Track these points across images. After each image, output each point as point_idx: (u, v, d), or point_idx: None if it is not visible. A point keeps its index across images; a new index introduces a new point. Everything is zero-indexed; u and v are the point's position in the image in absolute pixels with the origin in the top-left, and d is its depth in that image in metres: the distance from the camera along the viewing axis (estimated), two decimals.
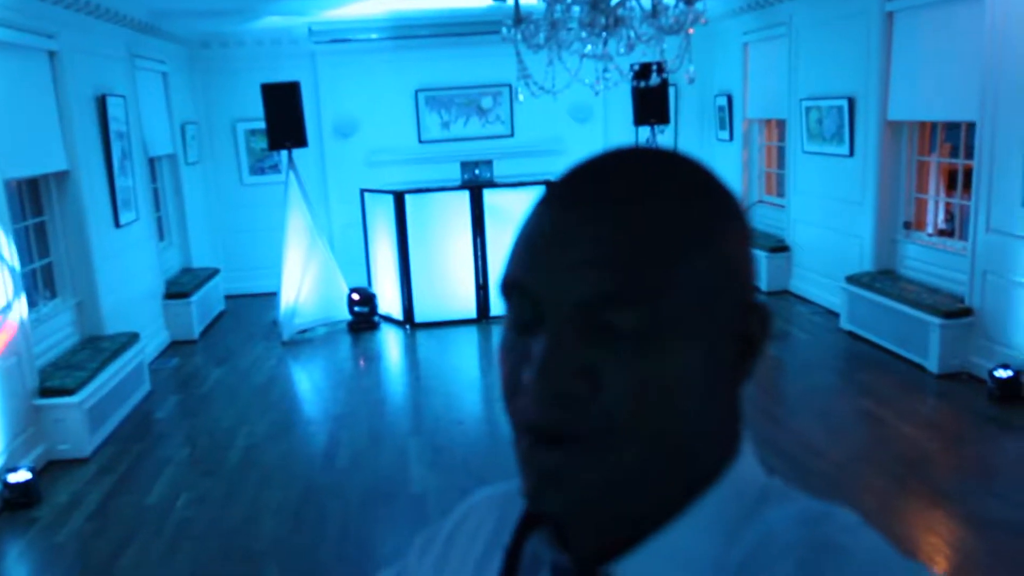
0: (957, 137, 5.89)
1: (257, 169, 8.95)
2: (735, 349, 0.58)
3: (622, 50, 3.69)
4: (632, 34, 3.57)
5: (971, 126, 5.44)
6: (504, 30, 3.87)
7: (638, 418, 0.54)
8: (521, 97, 4.19)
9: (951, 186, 6.21)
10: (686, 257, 0.55)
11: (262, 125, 7.45)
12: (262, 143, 8.41)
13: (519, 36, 3.81)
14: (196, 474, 4.59)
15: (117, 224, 6.21)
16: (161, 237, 7.64)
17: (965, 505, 3.86)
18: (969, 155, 5.60)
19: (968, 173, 5.68)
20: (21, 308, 4.70)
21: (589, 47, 3.67)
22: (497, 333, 5.60)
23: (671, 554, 0.57)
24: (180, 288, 7.28)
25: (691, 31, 3.51)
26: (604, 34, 3.56)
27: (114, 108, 6.26)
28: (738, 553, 0.56)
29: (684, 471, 0.58)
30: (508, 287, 0.58)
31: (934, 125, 6.10)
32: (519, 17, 3.80)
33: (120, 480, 4.55)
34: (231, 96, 8.68)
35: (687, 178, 0.58)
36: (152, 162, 7.46)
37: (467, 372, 6.47)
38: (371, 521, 3.98)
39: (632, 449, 0.54)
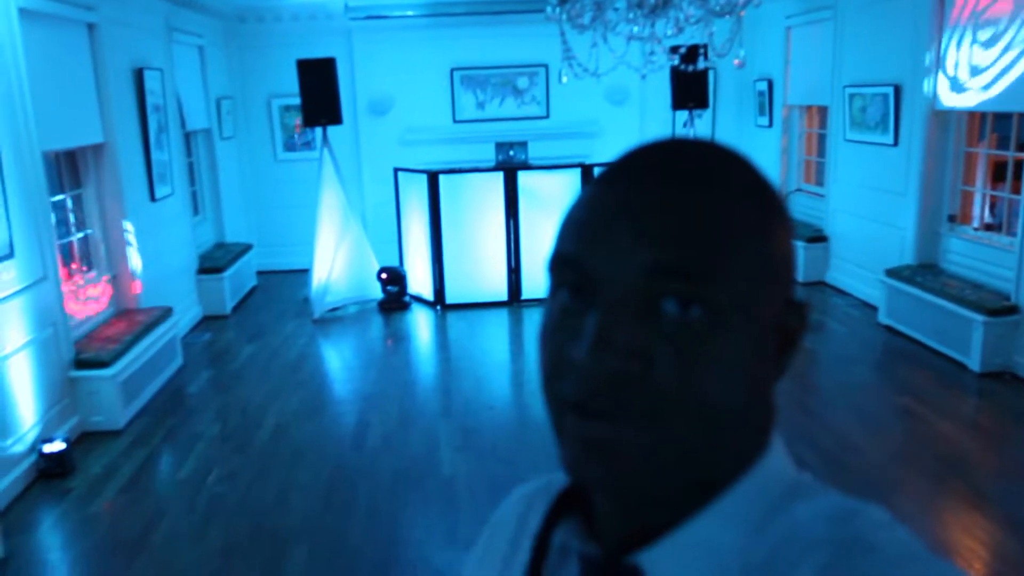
0: (1008, 127, 5.71)
1: (291, 145, 8.94)
2: (774, 343, 0.59)
3: (670, 32, 3.59)
4: (681, 16, 3.47)
5: (1023, 117, 5.27)
6: (549, 9, 3.78)
7: (684, 401, 0.54)
8: (565, 79, 4.10)
9: (997, 178, 6.04)
10: (740, 246, 0.56)
11: (297, 101, 7.44)
12: (296, 119, 8.41)
13: (564, 16, 3.72)
14: (227, 450, 4.61)
15: (153, 198, 6.23)
16: (195, 212, 7.67)
17: (1005, 508, 3.77)
18: (1020, 147, 5.43)
19: (1018, 165, 5.52)
20: (57, 280, 4.73)
21: (636, 28, 3.57)
22: (528, 317, 5.61)
23: (697, 545, 0.58)
24: (213, 263, 7.31)
25: (742, 14, 3.41)
26: (652, 15, 3.46)
27: (151, 81, 6.27)
28: (764, 547, 0.57)
29: (719, 460, 0.58)
30: (560, 262, 0.59)
31: (984, 115, 5.92)
32: None
33: (152, 454, 4.59)
34: (266, 71, 8.67)
35: (740, 172, 0.60)
36: (187, 136, 7.47)
37: (497, 355, 6.44)
38: (400, 503, 3.97)
39: (676, 430, 0.55)
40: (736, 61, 3.80)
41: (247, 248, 8.12)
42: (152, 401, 5.30)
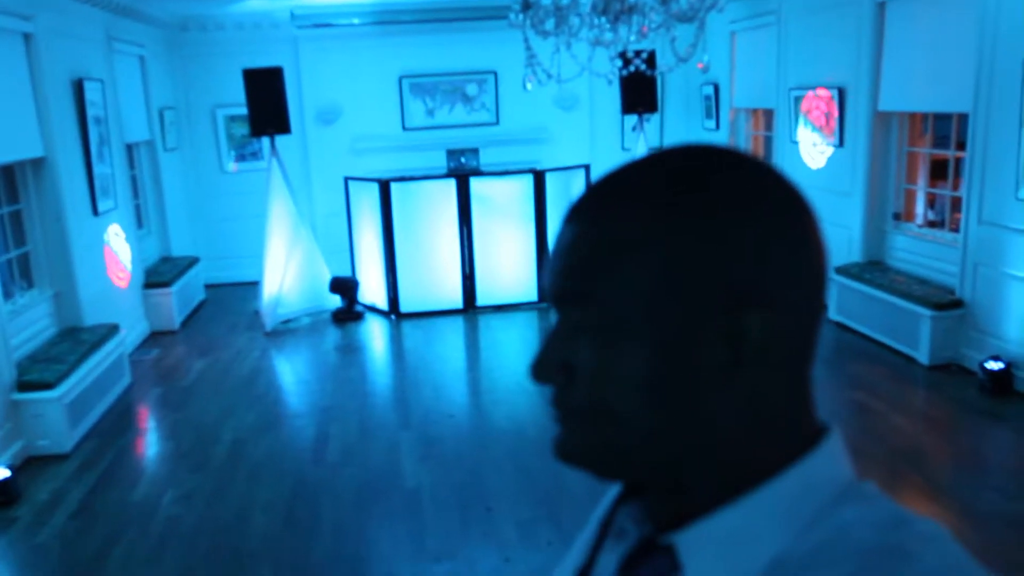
0: (948, 127, 5.88)
1: (238, 156, 8.77)
2: (722, 352, 0.58)
3: (633, 37, 3.60)
4: (644, 21, 3.48)
5: (962, 117, 5.44)
6: (512, 16, 3.76)
7: (594, 406, 0.61)
8: (529, 86, 4.09)
9: (936, 177, 6.21)
10: (620, 264, 0.59)
11: (243, 111, 7.30)
12: (243, 129, 8.25)
13: (527, 22, 3.71)
14: (182, 470, 4.48)
15: (95, 212, 6.05)
16: (140, 225, 7.47)
17: (960, 498, 3.86)
18: (960, 146, 5.60)
19: (958, 163, 5.68)
20: None
21: (599, 34, 3.57)
22: (484, 323, 5.61)
23: (729, 532, 0.60)
24: (160, 277, 7.12)
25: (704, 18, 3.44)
26: (616, 21, 3.47)
27: (91, 92, 6.09)
28: (805, 545, 0.58)
29: (704, 457, 0.61)
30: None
31: (924, 116, 6.08)
32: (527, 3, 3.69)
33: (103, 476, 4.43)
34: (211, 81, 8.50)
35: (648, 186, 0.61)
36: (130, 148, 7.27)
37: (454, 363, 6.39)
38: (365, 517, 3.90)
39: (597, 430, 0.62)
40: (700, 64, 3.83)
41: (194, 261, 7.93)
42: (100, 422, 5.13)
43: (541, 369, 0.64)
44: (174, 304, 7.10)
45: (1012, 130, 4.81)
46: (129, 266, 6.63)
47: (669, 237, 0.58)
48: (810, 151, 7.09)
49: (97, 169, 6.10)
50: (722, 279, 0.58)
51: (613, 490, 0.75)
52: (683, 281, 0.58)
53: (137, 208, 7.47)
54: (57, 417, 4.67)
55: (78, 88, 5.89)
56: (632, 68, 4.14)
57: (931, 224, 6.14)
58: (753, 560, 0.59)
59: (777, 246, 0.59)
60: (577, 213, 0.63)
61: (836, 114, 6.61)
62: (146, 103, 7.63)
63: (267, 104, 6.83)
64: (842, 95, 6.51)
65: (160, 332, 7.00)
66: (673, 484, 0.63)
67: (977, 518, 3.64)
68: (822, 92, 6.74)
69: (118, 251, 6.43)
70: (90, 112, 6.03)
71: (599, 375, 0.61)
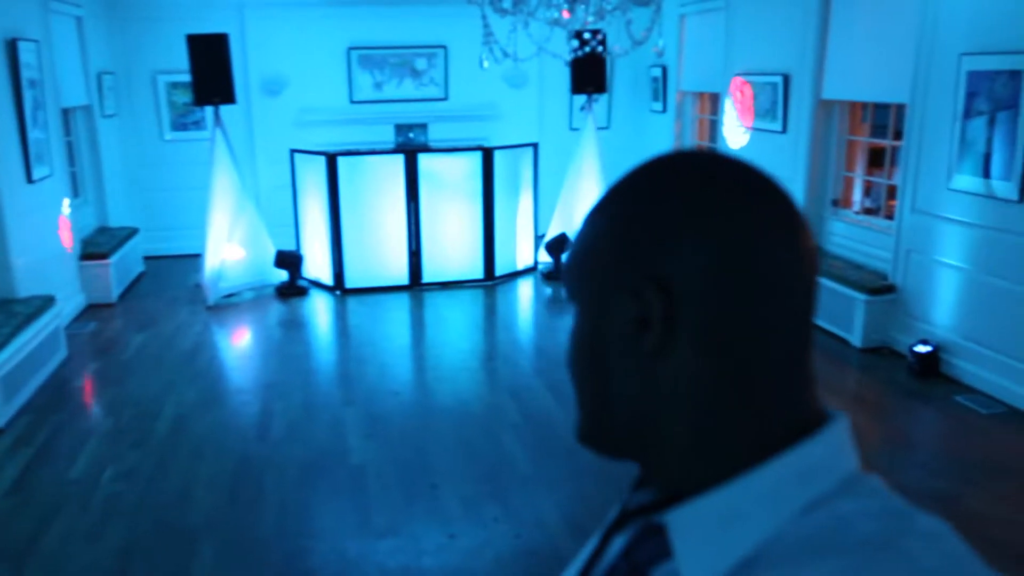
0: (887, 117, 6.05)
1: (179, 125, 8.55)
2: (627, 322, 0.63)
3: (590, 19, 3.62)
4: (602, 3, 3.50)
5: (900, 107, 5.60)
6: None
7: (575, 379, 0.70)
8: (486, 64, 4.08)
9: (873, 165, 6.40)
10: (584, 253, 0.68)
11: (185, 78, 7.12)
12: (185, 97, 8.05)
13: (486, 0, 3.69)
14: (122, 446, 4.40)
15: (29, 179, 5.84)
16: (76, 194, 7.25)
17: (889, 475, 3.98)
18: (897, 135, 5.77)
19: (895, 152, 5.86)
20: None
21: (556, 13, 3.58)
22: (430, 300, 5.61)
23: (720, 513, 0.60)
24: (97, 248, 6.93)
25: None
26: (574, 2, 3.48)
27: (26, 54, 5.86)
28: (801, 531, 0.58)
29: (658, 431, 0.64)
30: None
31: (864, 105, 6.25)
32: None
33: (38, 453, 4.33)
34: (152, 46, 8.24)
35: (649, 178, 0.66)
36: (66, 114, 7.03)
37: (400, 340, 6.38)
38: (309, 493, 3.90)
39: (582, 406, 0.71)
40: (656, 48, 3.87)
41: (133, 232, 7.74)
42: (35, 397, 5.00)
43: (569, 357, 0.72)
44: (112, 276, 6.92)
45: (946, 122, 4.98)
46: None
47: (609, 220, 0.66)
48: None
49: (31, 134, 5.88)
50: (631, 260, 0.63)
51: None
52: (595, 254, 0.66)
53: (73, 176, 7.24)
54: None
55: (11, 49, 5.67)
56: (588, 49, 4.16)
57: (867, 211, 6.33)
58: (742, 541, 0.59)
59: (694, 238, 0.61)
60: (591, 214, 0.70)
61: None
62: (84, 66, 7.38)
63: (211, 72, 6.66)
64: (787, 82, 6.64)
65: (97, 305, 6.83)
66: (645, 459, 0.67)
67: (904, 494, 3.79)
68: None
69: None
70: (24, 75, 5.80)
71: (571, 335, 0.70)
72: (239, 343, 6.33)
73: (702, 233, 0.61)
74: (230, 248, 7.01)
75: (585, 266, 0.67)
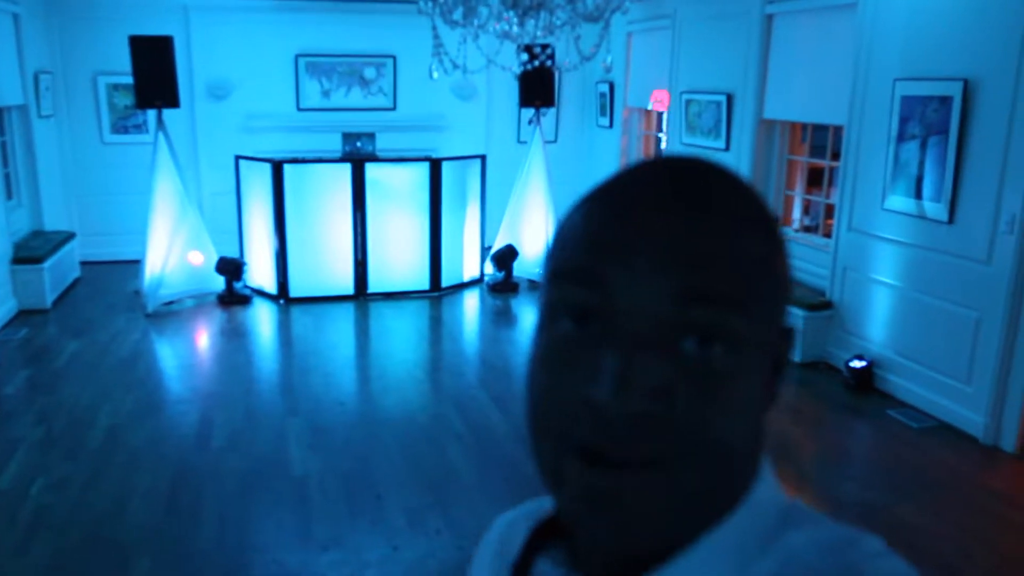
0: (825, 138, 6.24)
1: (120, 127, 8.35)
2: (769, 372, 0.57)
3: (539, 33, 3.67)
4: (551, 18, 3.56)
5: (838, 129, 5.78)
6: (421, 3, 3.76)
7: (702, 443, 0.52)
8: (435, 75, 4.09)
9: (812, 184, 6.59)
10: (757, 274, 0.54)
11: (127, 80, 6.97)
12: (127, 99, 7.88)
13: (436, 11, 3.71)
14: (53, 456, 4.26)
15: None
16: (9, 196, 7.02)
17: (824, 488, 4.13)
18: (835, 156, 5.95)
19: (832, 172, 6.04)
20: None
21: (506, 27, 3.62)
22: (375, 311, 5.54)
23: (701, 570, 0.56)
24: (30, 252, 6.72)
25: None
26: (524, 16, 3.53)
27: None
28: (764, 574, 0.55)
29: (724, 499, 0.57)
30: (572, 276, 0.54)
31: (804, 125, 6.43)
32: None
33: None
34: (93, 46, 8.04)
35: (748, 197, 0.56)
36: (0, 113, 6.82)
37: (344, 350, 6.32)
38: (250, 505, 3.83)
39: (689, 474, 0.52)
40: (604, 64, 3.94)
41: (69, 236, 7.52)
42: None
43: (636, 393, 0.50)
44: (46, 281, 6.71)
45: (881, 145, 5.15)
46: None
47: (778, 253, 0.57)
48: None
49: None
50: (789, 300, 0.59)
51: (517, 533, 0.68)
52: (784, 300, 0.57)
53: (7, 177, 7.02)
54: None
55: None
56: (537, 63, 4.21)
57: (806, 229, 6.50)
58: None
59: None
60: (702, 203, 0.54)
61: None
62: (20, 65, 7.16)
63: (155, 75, 6.54)
64: (730, 101, 6.80)
65: (30, 311, 6.61)
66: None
67: (837, 506, 3.91)
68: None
69: None
70: None
71: (717, 403, 0.52)
72: (179, 351, 6.20)
73: (786, 254, 0.59)
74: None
75: (770, 314, 0.55)
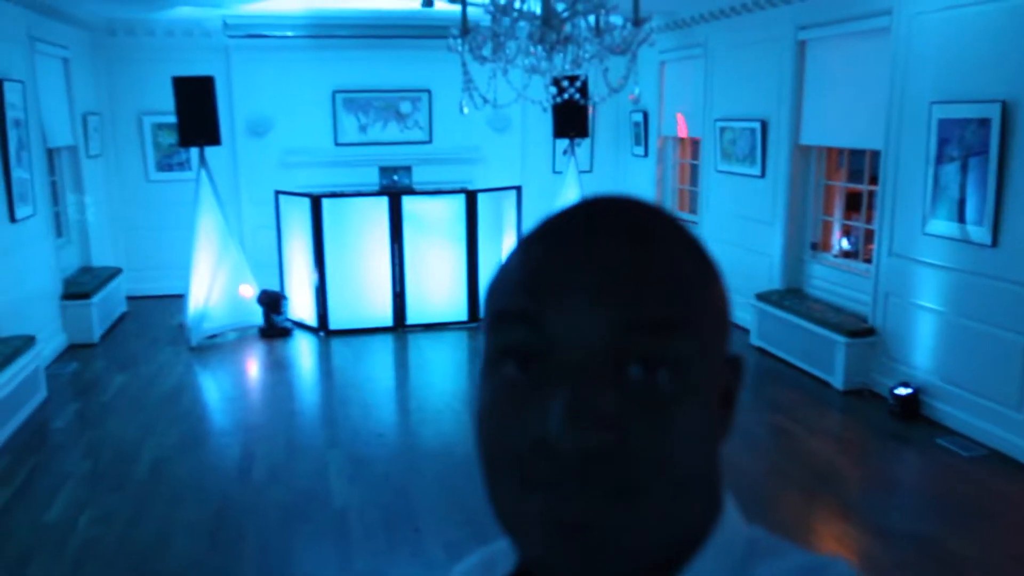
0: (862, 162, 6.18)
1: (164, 165, 8.58)
2: (719, 401, 0.57)
3: (567, 67, 3.73)
4: (579, 51, 3.61)
5: (875, 153, 5.73)
6: (450, 40, 3.84)
7: (658, 471, 0.51)
8: (466, 110, 4.16)
9: (851, 209, 6.52)
10: (694, 299, 0.54)
11: (171, 119, 7.16)
12: (170, 138, 8.09)
13: (465, 47, 3.78)
14: (100, 489, 4.34)
15: (12, 219, 5.84)
16: (59, 234, 7.23)
17: (871, 517, 4.04)
18: (873, 180, 5.89)
19: (871, 197, 5.98)
20: None
21: (534, 61, 3.68)
22: (414, 342, 5.56)
23: None
24: (79, 288, 6.90)
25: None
26: (551, 50, 3.58)
27: (11, 94, 5.89)
28: None
29: (688, 530, 0.56)
30: (508, 319, 0.54)
31: (841, 150, 6.38)
32: (466, 27, 3.77)
33: (15, 495, 4.26)
34: (138, 87, 8.29)
35: (675, 228, 0.58)
36: (51, 154, 7.05)
37: (384, 382, 6.37)
38: (291, 538, 3.86)
39: (650, 502, 0.52)
40: (631, 96, 3.98)
41: (116, 272, 7.71)
42: (13, 438, 4.94)
43: (587, 425, 0.50)
44: (94, 316, 6.88)
45: (919, 168, 5.09)
46: None
47: (713, 279, 0.58)
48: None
49: (15, 174, 5.89)
50: (729, 327, 0.59)
51: (497, 567, 0.66)
52: (724, 325, 0.57)
53: (57, 216, 7.23)
54: None
55: None
56: (566, 96, 4.25)
57: (846, 254, 6.43)
58: None
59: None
60: (632, 234, 0.55)
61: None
62: (69, 107, 7.41)
63: (197, 114, 6.71)
64: (764, 128, 6.78)
65: (78, 345, 6.77)
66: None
67: (885, 536, 3.83)
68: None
69: None
70: (9, 115, 5.83)
71: (670, 430, 0.52)
72: (221, 384, 6.29)
73: (721, 281, 0.60)
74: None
75: (710, 340, 0.55)
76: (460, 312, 7.41)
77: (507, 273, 0.56)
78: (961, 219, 4.82)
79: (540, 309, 0.52)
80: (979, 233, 4.70)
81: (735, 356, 0.59)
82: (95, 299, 6.91)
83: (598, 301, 0.51)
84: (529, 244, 0.57)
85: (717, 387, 0.56)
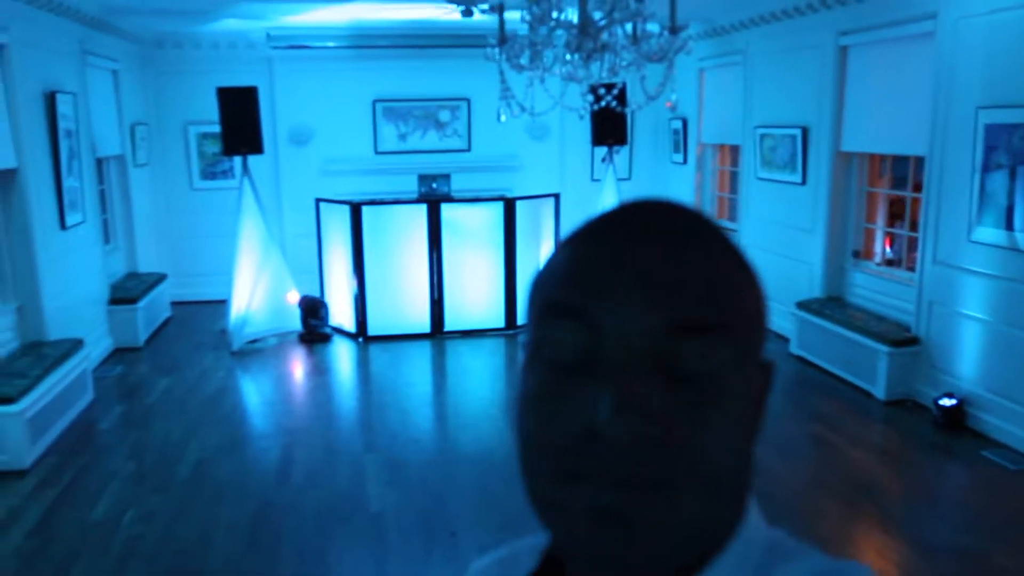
0: (906, 168, 6.09)
1: (208, 174, 8.75)
2: (752, 404, 0.58)
3: (604, 75, 3.74)
4: (616, 59, 3.62)
5: (919, 159, 5.63)
6: (488, 50, 3.88)
7: (697, 464, 0.53)
8: (503, 118, 4.19)
9: (895, 216, 6.42)
10: (737, 302, 0.56)
11: (215, 129, 7.31)
12: (214, 147, 8.25)
13: (503, 57, 3.82)
14: (144, 489, 4.44)
15: (63, 226, 6.00)
16: (107, 240, 7.41)
17: (913, 530, 3.96)
18: (917, 187, 5.79)
19: (915, 204, 5.88)
20: None
21: (571, 69, 3.70)
22: (451, 349, 5.58)
23: None
24: (126, 293, 7.06)
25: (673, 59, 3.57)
26: (588, 59, 3.59)
27: (63, 106, 6.07)
28: None
29: (721, 526, 0.57)
30: (559, 311, 0.55)
31: (883, 157, 6.29)
32: (504, 37, 3.80)
33: (62, 494, 4.37)
34: (183, 98, 8.49)
35: (715, 231, 0.59)
36: (100, 163, 7.24)
37: (421, 388, 6.41)
38: (328, 540, 3.90)
39: (689, 495, 0.53)
40: (668, 103, 3.98)
41: (161, 278, 7.88)
42: (61, 438, 5.07)
43: (634, 416, 0.52)
44: (139, 321, 7.04)
45: (965, 174, 5.00)
46: None
47: (752, 284, 0.59)
48: None
49: (66, 183, 6.06)
50: (766, 331, 0.60)
51: (519, 568, 0.67)
52: (761, 329, 0.59)
53: (105, 223, 7.42)
54: (17, 433, 4.60)
55: (50, 101, 5.87)
56: (603, 104, 4.26)
57: (889, 263, 6.32)
58: None
59: None
60: (677, 236, 0.56)
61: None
62: (118, 118, 7.61)
63: (240, 123, 6.85)
64: (805, 134, 6.70)
65: (124, 349, 6.93)
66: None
67: (928, 550, 3.75)
68: None
69: None
70: (61, 125, 6.00)
71: (709, 425, 0.53)
72: (262, 388, 6.39)
73: (760, 286, 0.62)
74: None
75: (749, 344, 0.57)
76: (498, 319, 7.44)
77: (554, 268, 0.58)
78: (1009, 227, 4.71)
79: (588, 303, 0.54)
80: None
81: (768, 362, 0.61)
82: (141, 304, 7.07)
83: (645, 301, 0.53)
84: (575, 242, 0.58)
85: (751, 391, 0.58)
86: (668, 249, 0.55)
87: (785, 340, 6.69)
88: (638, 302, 0.53)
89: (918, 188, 5.71)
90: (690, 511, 0.53)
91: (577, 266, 0.56)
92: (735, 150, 8.18)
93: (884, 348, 5.51)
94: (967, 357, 5.13)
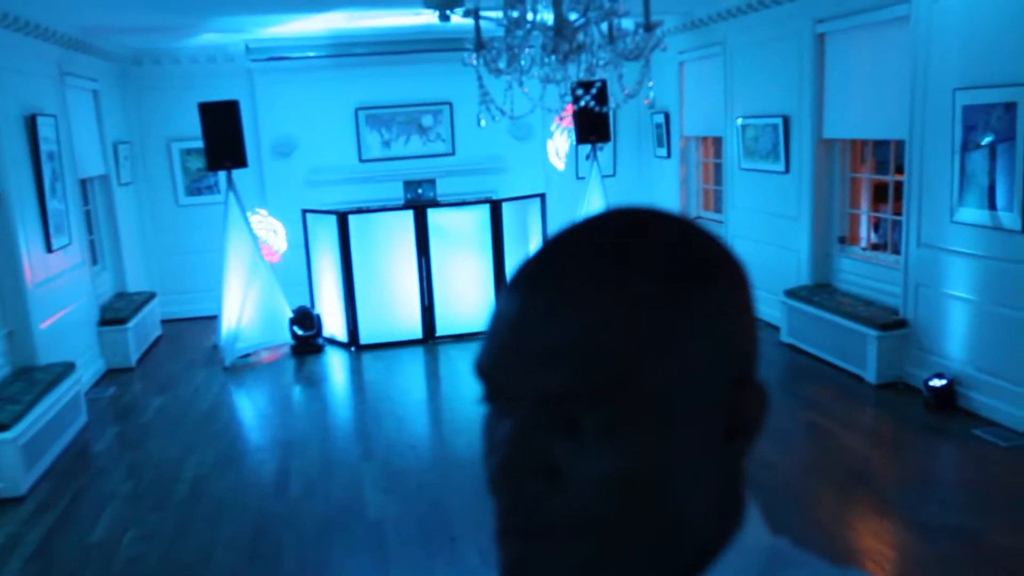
0: (887, 152, 6.13)
1: (193, 190, 8.74)
2: (724, 428, 0.56)
3: (582, 75, 3.76)
4: (593, 59, 3.64)
5: (900, 143, 5.67)
6: (466, 56, 3.90)
7: (606, 514, 0.52)
8: (483, 123, 4.21)
9: (878, 201, 6.45)
10: (658, 346, 0.52)
11: (198, 144, 7.31)
12: (198, 163, 8.24)
13: (480, 62, 3.84)
14: (142, 509, 4.43)
15: (49, 249, 5.99)
16: (94, 261, 7.39)
17: (907, 512, 4.00)
18: (899, 171, 5.83)
19: (898, 188, 5.91)
20: None
21: (549, 71, 3.72)
22: (444, 354, 5.60)
23: None
24: (116, 314, 7.05)
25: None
26: (564, 60, 3.62)
27: (44, 128, 6.05)
28: None
29: (677, 553, 0.56)
30: (477, 375, 0.57)
31: (865, 142, 6.33)
32: (480, 43, 3.82)
33: (60, 518, 4.37)
34: (165, 115, 8.47)
35: (668, 251, 0.55)
36: (84, 183, 7.22)
37: (415, 394, 6.42)
38: (328, 550, 3.91)
39: (602, 544, 0.53)
40: (646, 100, 4.00)
41: (150, 297, 7.86)
42: (56, 462, 5.06)
43: (514, 475, 0.53)
44: (130, 341, 7.02)
45: (945, 156, 5.04)
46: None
47: (713, 307, 0.55)
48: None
49: (51, 205, 6.05)
50: (744, 352, 0.57)
51: None
52: (719, 356, 0.55)
53: (92, 244, 7.40)
54: (12, 459, 4.59)
55: (31, 124, 5.86)
56: (582, 104, 4.28)
57: (874, 247, 6.36)
58: None
59: (749, 316, 0.58)
60: (575, 281, 0.53)
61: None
62: (100, 137, 7.59)
63: (223, 137, 6.84)
64: (787, 123, 6.74)
65: (117, 369, 6.92)
66: None
67: (924, 531, 3.78)
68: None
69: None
70: (43, 148, 5.99)
71: (613, 476, 0.52)
72: (256, 402, 6.38)
73: (748, 306, 0.60)
74: (246, 308, 7.13)
75: (684, 381, 0.54)
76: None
77: (489, 319, 0.58)
78: (992, 206, 4.75)
79: (492, 370, 0.56)
80: (1010, 219, 4.64)
81: (754, 383, 0.57)
82: (131, 324, 7.05)
83: (528, 368, 0.53)
84: (503, 291, 0.58)
85: (708, 417, 0.55)
86: (566, 303, 0.52)
87: (775, 328, 6.72)
88: (522, 371, 0.53)
89: (900, 172, 5.75)
90: (598, 558, 0.53)
91: (489, 325, 0.57)
92: (718, 142, 8.21)
93: (873, 332, 5.54)
94: (955, 337, 5.17)
